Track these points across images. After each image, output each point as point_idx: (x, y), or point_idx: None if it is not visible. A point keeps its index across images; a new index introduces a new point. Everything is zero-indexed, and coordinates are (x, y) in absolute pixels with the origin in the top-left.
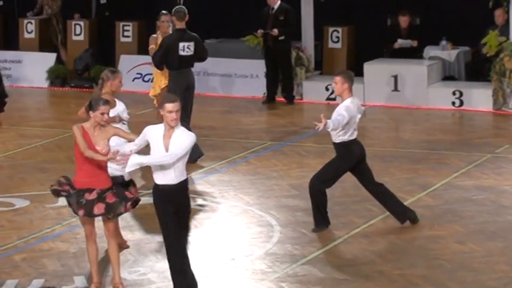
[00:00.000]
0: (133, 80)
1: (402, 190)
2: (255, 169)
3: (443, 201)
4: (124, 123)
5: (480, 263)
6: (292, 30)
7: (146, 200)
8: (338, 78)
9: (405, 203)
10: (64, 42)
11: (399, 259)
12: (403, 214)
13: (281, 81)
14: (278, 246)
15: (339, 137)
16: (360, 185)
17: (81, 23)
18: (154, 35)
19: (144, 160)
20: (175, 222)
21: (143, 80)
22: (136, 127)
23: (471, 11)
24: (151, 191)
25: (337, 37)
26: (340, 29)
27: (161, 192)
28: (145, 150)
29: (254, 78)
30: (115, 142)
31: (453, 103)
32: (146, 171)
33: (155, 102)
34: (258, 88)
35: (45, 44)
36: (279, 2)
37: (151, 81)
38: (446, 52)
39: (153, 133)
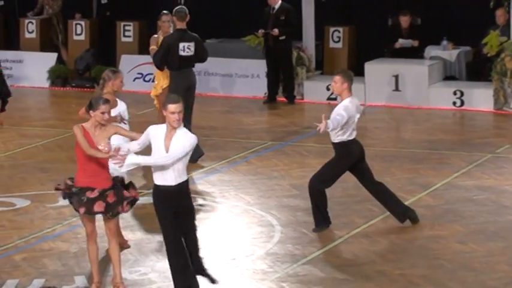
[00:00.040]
0: (134, 80)
1: (403, 190)
2: (255, 169)
3: (444, 201)
4: (125, 123)
5: (481, 263)
6: (293, 30)
7: (146, 199)
8: (337, 78)
9: (406, 203)
10: (65, 42)
11: (400, 259)
12: (403, 214)
13: (282, 81)
14: (279, 246)
15: (337, 137)
16: (360, 185)
17: (82, 22)
18: (155, 36)
19: (141, 160)
20: (175, 223)
21: (144, 80)
22: (137, 127)
23: (472, 11)
24: (151, 190)
25: (338, 37)
26: (341, 29)
27: (160, 193)
28: (147, 151)
29: (255, 78)
30: (116, 141)
31: (454, 103)
32: (147, 171)
33: (155, 102)
34: (259, 88)
35: (46, 43)
36: (279, 1)
37: (152, 81)
38: (447, 52)
39: (156, 133)
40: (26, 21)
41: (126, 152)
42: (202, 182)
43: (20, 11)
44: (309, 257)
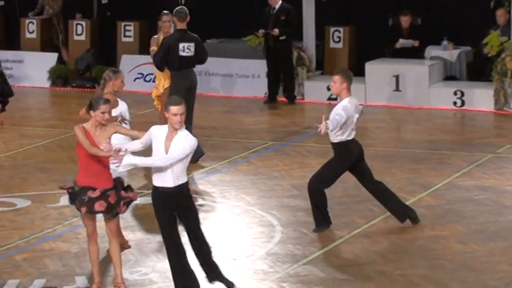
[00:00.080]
0: (134, 80)
1: (404, 190)
2: (256, 169)
3: (445, 201)
4: (126, 123)
5: (481, 263)
6: (293, 30)
7: (147, 200)
8: (337, 78)
9: (407, 203)
10: (65, 42)
11: (400, 259)
12: (404, 213)
13: (282, 81)
14: (279, 246)
15: (337, 137)
16: (361, 185)
17: (83, 22)
18: (156, 36)
19: (138, 161)
20: (174, 224)
21: (144, 80)
22: (137, 127)
23: (473, 11)
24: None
25: (339, 37)
26: (341, 29)
27: (159, 194)
28: (147, 151)
29: (255, 78)
30: (117, 140)
31: (454, 103)
32: (148, 171)
33: (156, 103)
34: (260, 88)
35: (46, 43)
36: (280, 1)
37: (153, 81)
38: (448, 52)
39: (157, 133)
40: (27, 21)
41: (124, 151)
42: (202, 182)
43: (20, 11)
44: (309, 257)
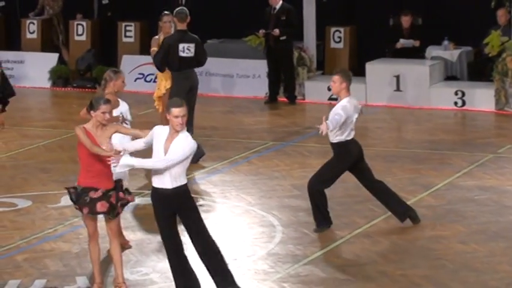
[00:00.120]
0: (135, 80)
1: (404, 190)
2: (257, 169)
3: (446, 201)
4: (126, 123)
5: (482, 263)
6: (293, 30)
7: (147, 200)
8: (336, 77)
9: (407, 203)
10: (65, 42)
11: (401, 259)
12: (404, 213)
13: (283, 82)
14: (280, 246)
15: (336, 137)
16: (361, 185)
17: (83, 23)
18: (156, 37)
19: (135, 162)
20: (173, 224)
21: (145, 80)
22: (138, 127)
23: (473, 11)
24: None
25: (339, 37)
26: (342, 29)
27: (157, 195)
28: (148, 152)
29: (256, 78)
30: (119, 140)
31: (455, 103)
32: (149, 171)
33: (156, 104)
34: (260, 88)
35: (47, 44)
36: (280, 2)
37: (154, 82)
38: (449, 52)
39: (159, 133)
40: (27, 21)
41: (123, 152)
42: (203, 182)
43: (21, 11)
44: (310, 257)
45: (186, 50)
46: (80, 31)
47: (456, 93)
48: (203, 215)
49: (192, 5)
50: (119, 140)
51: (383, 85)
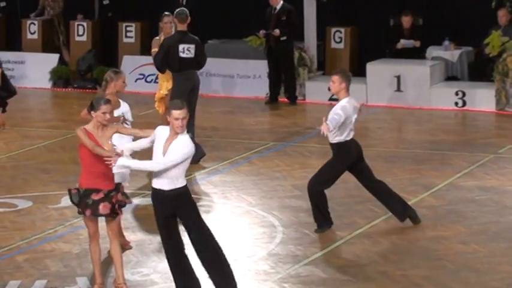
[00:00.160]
0: (136, 81)
1: (405, 190)
2: (257, 170)
3: (446, 201)
4: (127, 124)
5: (483, 264)
6: (294, 30)
7: (148, 200)
8: (336, 78)
9: (408, 203)
10: (66, 43)
11: (402, 260)
12: (404, 212)
13: (284, 82)
14: (281, 246)
15: (335, 138)
16: (362, 186)
17: (84, 23)
18: (157, 38)
19: (131, 164)
20: (173, 224)
21: (146, 81)
22: (139, 128)
23: (474, 11)
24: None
25: (340, 37)
26: (342, 30)
27: (156, 196)
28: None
29: (257, 78)
30: (119, 140)
31: (456, 103)
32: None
33: (157, 105)
34: (261, 89)
35: (48, 44)
36: (281, 2)
37: (154, 82)
38: (449, 52)
39: (160, 134)
40: (28, 22)
41: (121, 152)
42: (204, 182)
43: (22, 12)
44: (310, 258)
45: (186, 50)
46: (81, 32)
47: (457, 94)
48: (204, 216)
49: (192, 5)
50: (117, 141)
51: (384, 85)
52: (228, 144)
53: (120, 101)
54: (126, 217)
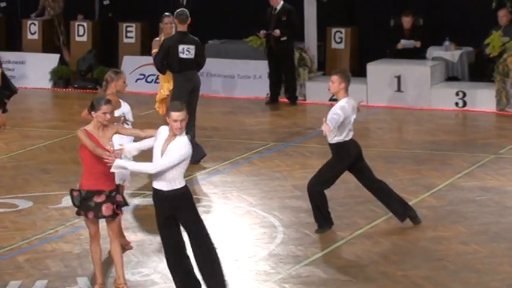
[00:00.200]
0: (136, 81)
1: (406, 191)
2: (258, 170)
3: (447, 202)
4: (128, 124)
5: (484, 264)
6: (294, 30)
7: (148, 201)
8: (335, 78)
9: (408, 203)
10: (66, 43)
11: (403, 260)
12: (403, 212)
13: (284, 82)
14: (281, 247)
15: (334, 138)
16: (362, 186)
17: (85, 24)
18: (157, 38)
19: (128, 165)
20: (173, 225)
21: (146, 81)
22: (139, 128)
23: (474, 11)
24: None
25: (340, 38)
26: (343, 30)
27: (156, 196)
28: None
29: (257, 79)
30: (119, 141)
31: (456, 104)
32: None
33: (157, 106)
34: (261, 89)
35: (48, 45)
36: (281, 2)
37: (155, 82)
38: (450, 53)
39: (161, 134)
40: (28, 22)
41: (118, 152)
42: (204, 183)
43: (22, 12)
44: (311, 258)
45: (185, 51)
46: (81, 32)
47: (457, 94)
48: (204, 216)
49: (193, 5)
50: (117, 141)
51: (384, 86)
52: (229, 144)
53: (121, 101)
54: (127, 217)
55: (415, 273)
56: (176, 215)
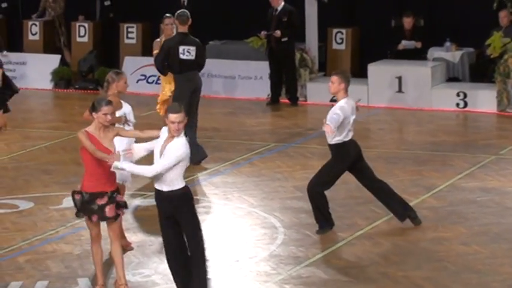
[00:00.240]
0: (137, 82)
1: (406, 192)
2: (259, 171)
3: (448, 202)
4: (129, 125)
5: (484, 265)
6: (295, 31)
7: (149, 201)
8: (335, 78)
9: (408, 204)
10: (67, 44)
11: (403, 261)
12: (403, 212)
13: (285, 83)
14: (282, 248)
15: (334, 138)
16: (363, 186)
17: (86, 24)
18: (158, 40)
19: (126, 167)
20: (172, 225)
21: (147, 82)
22: (140, 129)
23: (475, 12)
24: (153, 192)
25: (341, 38)
26: (344, 31)
27: (157, 196)
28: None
29: (258, 79)
30: (119, 143)
31: (457, 104)
32: None
33: (158, 107)
34: (262, 90)
35: (49, 45)
36: (282, 3)
37: (156, 83)
38: (451, 53)
39: (162, 134)
40: (30, 23)
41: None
42: (205, 183)
43: (23, 13)
44: (312, 259)
45: (186, 52)
46: (82, 33)
47: (458, 95)
48: (205, 217)
49: (193, 6)
50: (117, 142)
51: (385, 86)
52: (230, 145)
53: (122, 102)
54: (127, 218)
55: (416, 273)
56: (176, 216)
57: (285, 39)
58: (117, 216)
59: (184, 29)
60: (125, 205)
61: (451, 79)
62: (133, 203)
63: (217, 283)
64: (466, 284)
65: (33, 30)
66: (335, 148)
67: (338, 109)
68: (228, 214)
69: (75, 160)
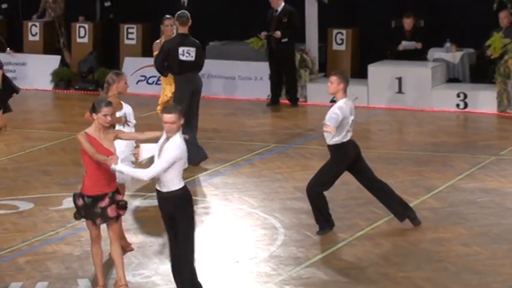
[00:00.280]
0: (137, 83)
1: (406, 192)
2: (259, 171)
3: (448, 203)
4: (129, 125)
5: (485, 266)
6: (295, 32)
7: (149, 202)
8: (334, 78)
9: (408, 204)
10: (66, 45)
11: (404, 262)
12: (403, 213)
13: (285, 84)
14: (282, 248)
15: (333, 139)
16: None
17: (86, 25)
18: (158, 41)
19: (124, 170)
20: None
21: (147, 83)
22: (140, 130)
23: (475, 13)
24: (154, 193)
25: (341, 39)
26: (344, 31)
27: (158, 197)
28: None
29: (258, 80)
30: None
31: (457, 105)
32: None
33: (159, 108)
34: (262, 90)
35: (49, 46)
36: (282, 4)
37: (156, 84)
38: (451, 54)
39: (163, 136)
40: (30, 23)
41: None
42: (205, 184)
43: (23, 13)
44: (312, 260)
45: (185, 53)
46: (82, 33)
47: (458, 96)
48: (205, 217)
49: (194, 7)
50: (117, 143)
51: (385, 87)
52: (230, 146)
53: (122, 102)
54: (127, 219)
55: (416, 274)
56: (175, 216)
57: (285, 40)
58: (118, 217)
59: (184, 30)
60: (125, 205)
61: (451, 80)
62: (133, 204)
63: (218, 284)
64: (467, 284)
65: (33, 31)
66: (334, 149)
67: (337, 109)
68: (228, 215)
69: (75, 161)
